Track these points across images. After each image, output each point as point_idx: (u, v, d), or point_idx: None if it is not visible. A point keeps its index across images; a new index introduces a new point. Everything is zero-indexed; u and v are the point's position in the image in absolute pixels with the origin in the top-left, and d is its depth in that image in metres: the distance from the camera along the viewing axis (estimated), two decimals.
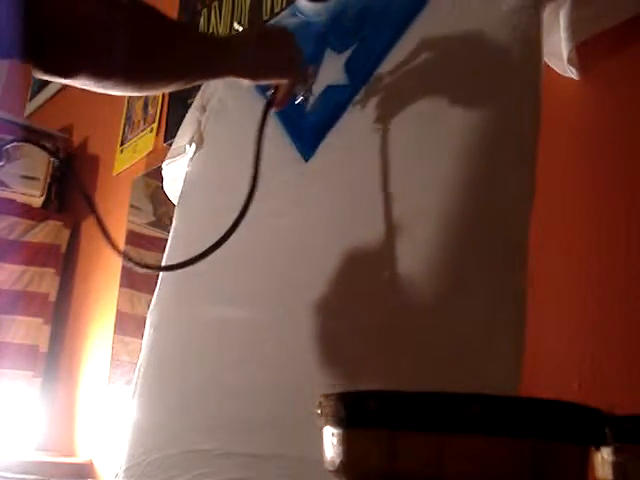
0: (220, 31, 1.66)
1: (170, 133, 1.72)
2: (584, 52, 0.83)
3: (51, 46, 0.59)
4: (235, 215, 0.99)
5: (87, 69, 0.62)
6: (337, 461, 0.42)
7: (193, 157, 1.20)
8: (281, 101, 0.84)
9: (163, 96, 1.89)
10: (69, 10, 0.59)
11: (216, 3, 1.70)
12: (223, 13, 1.66)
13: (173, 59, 0.69)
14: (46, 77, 0.62)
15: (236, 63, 0.76)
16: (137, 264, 0.81)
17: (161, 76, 0.69)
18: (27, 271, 2.04)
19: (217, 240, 0.78)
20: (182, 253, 1.10)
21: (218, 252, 0.99)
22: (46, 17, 0.57)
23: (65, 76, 0.62)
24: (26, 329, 2.01)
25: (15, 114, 2.46)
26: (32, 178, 2.11)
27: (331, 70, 0.97)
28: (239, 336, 0.91)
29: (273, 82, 0.82)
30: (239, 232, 0.99)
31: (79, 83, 0.63)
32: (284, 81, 0.82)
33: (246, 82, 0.79)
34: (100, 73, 0.63)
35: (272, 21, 1.25)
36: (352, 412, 0.42)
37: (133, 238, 1.81)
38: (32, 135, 2.17)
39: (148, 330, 1.08)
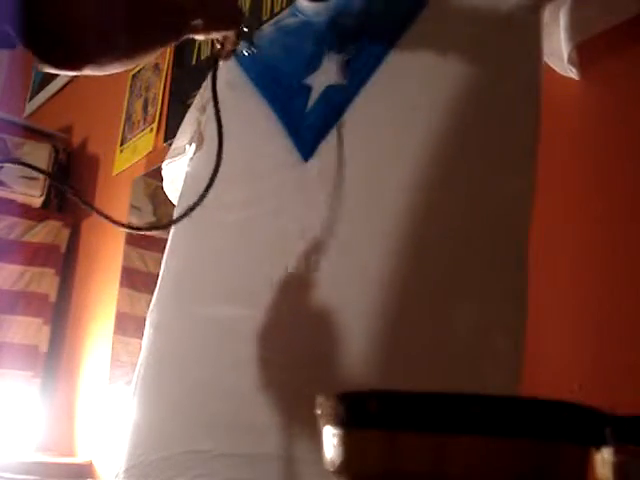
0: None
1: (170, 133, 1.73)
2: (584, 52, 0.83)
3: (57, 43, 0.61)
4: (234, 215, 0.99)
5: (94, 62, 0.65)
6: (337, 461, 0.42)
7: (193, 157, 1.20)
8: (228, 53, 0.90)
9: (163, 96, 1.90)
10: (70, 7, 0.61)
11: None
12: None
13: (151, 29, 0.73)
14: (52, 70, 0.64)
15: (191, 18, 0.80)
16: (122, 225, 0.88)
17: (143, 47, 0.72)
18: (27, 271, 2.04)
19: (194, 202, 0.83)
20: (183, 252, 1.10)
21: (218, 252, 0.99)
22: (49, 14, 0.59)
23: (72, 70, 0.64)
24: (26, 329, 2.01)
25: (15, 114, 2.46)
26: (32, 178, 2.11)
27: (331, 70, 0.97)
28: (239, 336, 0.91)
29: (220, 35, 0.88)
30: (238, 231, 0.99)
31: (84, 74, 0.66)
32: (230, 34, 0.87)
33: (200, 37, 0.83)
34: (104, 63, 0.67)
35: (272, 21, 1.25)
36: (352, 412, 0.42)
37: (133, 238, 1.81)
38: (32, 135, 2.17)
39: (148, 330, 1.08)
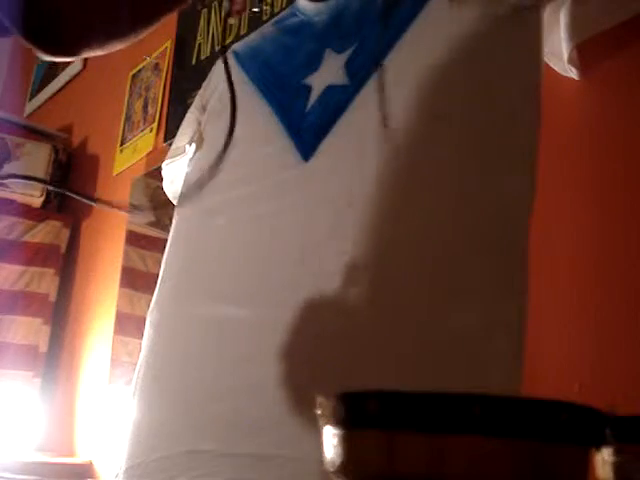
0: (220, 31, 1.65)
1: (170, 133, 1.73)
2: (584, 52, 0.83)
3: (56, 28, 0.59)
4: (232, 215, 0.99)
5: (93, 44, 0.62)
6: (337, 461, 0.42)
7: (193, 157, 1.20)
8: (239, 10, 0.89)
9: (163, 96, 1.90)
10: None
11: (216, 3, 1.69)
12: (223, 13, 1.66)
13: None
14: (52, 58, 0.62)
15: None
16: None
17: (147, 20, 0.67)
18: (27, 271, 2.04)
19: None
20: (182, 253, 1.10)
21: (217, 252, 0.99)
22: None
23: (72, 55, 0.62)
24: (26, 329, 2.01)
25: (15, 114, 2.46)
26: (32, 178, 2.11)
27: (331, 70, 0.97)
28: (239, 335, 0.91)
29: None
30: (238, 231, 0.99)
31: (84, 55, 0.64)
32: None
33: None
34: (104, 41, 0.63)
35: (272, 21, 1.25)
36: (352, 412, 0.42)
37: (133, 238, 1.81)
38: (32, 135, 2.17)
39: (148, 330, 1.08)
